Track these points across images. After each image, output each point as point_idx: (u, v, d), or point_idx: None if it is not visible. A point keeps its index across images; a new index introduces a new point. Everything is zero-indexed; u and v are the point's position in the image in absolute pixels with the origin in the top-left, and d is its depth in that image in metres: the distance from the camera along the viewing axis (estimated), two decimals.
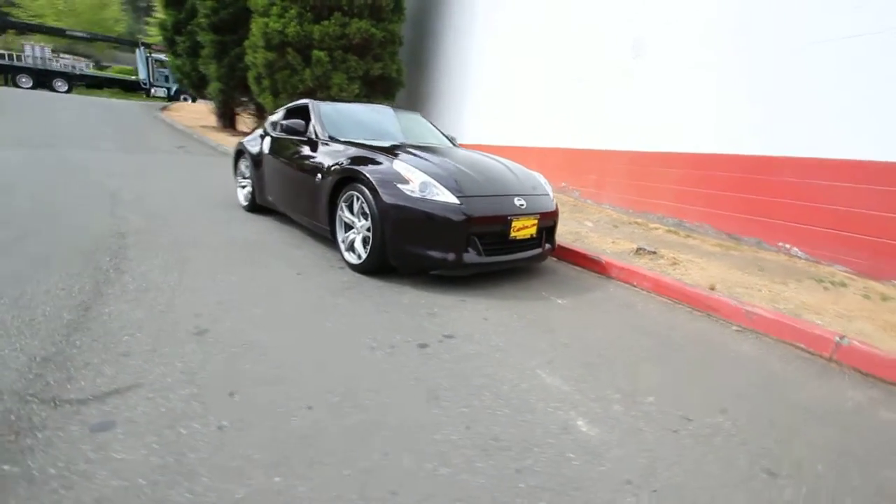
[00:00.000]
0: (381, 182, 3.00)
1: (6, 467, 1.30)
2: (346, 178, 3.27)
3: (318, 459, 1.44)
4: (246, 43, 10.98)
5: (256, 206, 4.76)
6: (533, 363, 2.18)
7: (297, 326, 2.34)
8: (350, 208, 3.30)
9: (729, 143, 4.71)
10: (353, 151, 3.42)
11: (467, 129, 9.33)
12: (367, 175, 3.04)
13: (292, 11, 10.22)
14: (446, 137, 4.75)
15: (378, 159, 3.20)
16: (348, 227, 3.36)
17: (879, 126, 3.65)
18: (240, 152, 4.99)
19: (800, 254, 4.14)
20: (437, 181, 3.01)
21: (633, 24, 5.83)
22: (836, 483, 1.55)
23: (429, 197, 2.93)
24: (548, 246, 3.51)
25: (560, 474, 1.47)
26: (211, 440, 1.47)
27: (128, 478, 1.30)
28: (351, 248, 3.31)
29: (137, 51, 25.63)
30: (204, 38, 12.58)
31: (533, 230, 3.25)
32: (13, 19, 26.57)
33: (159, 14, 28.90)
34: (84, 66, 26.04)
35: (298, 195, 3.88)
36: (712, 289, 3.32)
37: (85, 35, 26.68)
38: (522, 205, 3.20)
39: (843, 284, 3.56)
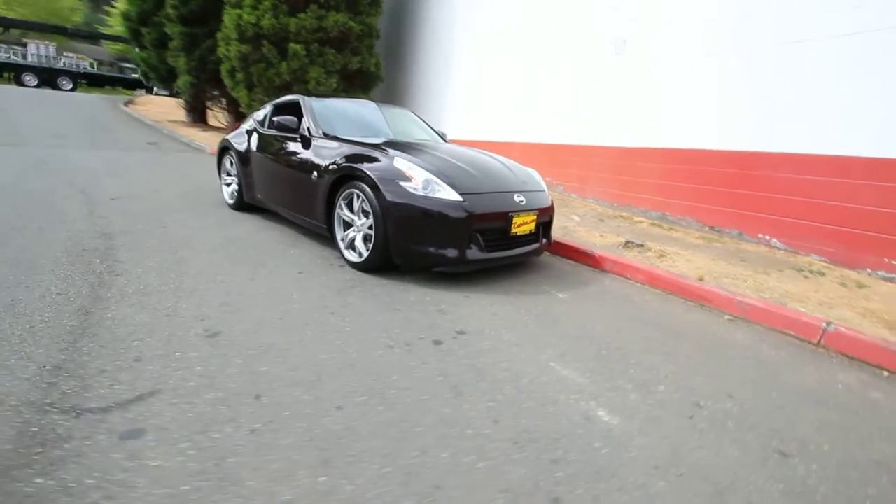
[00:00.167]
0: (383, 180, 2.99)
1: (39, 480, 1.26)
2: (345, 176, 3.25)
3: (357, 458, 1.45)
4: (218, 35, 10.66)
5: (244, 204, 4.66)
6: (546, 356, 2.24)
7: (310, 326, 2.33)
8: (349, 206, 3.27)
9: (712, 139, 4.89)
10: (350, 149, 3.39)
11: (448, 124, 9.31)
12: (369, 173, 3.03)
13: (266, 3, 9.98)
14: (436, 133, 4.76)
15: (377, 157, 3.19)
16: (347, 226, 3.34)
17: (855, 123, 3.86)
18: (225, 149, 4.87)
19: (779, 245, 4.35)
20: (439, 178, 3.02)
21: (613, 21, 5.95)
22: (842, 459, 1.66)
23: (431, 194, 2.94)
24: (544, 241, 3.58)
25: (592, 462, 1.52)
26: (247, 443, 1.46)
27: (170, 485, 1.28)
28: (351, 246, 3.29)
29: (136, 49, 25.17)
30: (172, 29, 12.13)
31: (532, 226, 3.31)
32: (12, 17, 25.56)
33: (120, 4, 27.68)
34: (87, 65, 26.13)
35: (292, 193, 3.82)
36: (701, 280, 3.46)
37: (84, 32, 25.96)
38: (522, 201, 3.25)
39: (822, 273, 3.77)
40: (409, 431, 1.60)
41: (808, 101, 4.14)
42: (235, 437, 1.48)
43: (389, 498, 1.31)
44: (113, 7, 28.63)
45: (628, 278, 3.61)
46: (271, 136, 4.21)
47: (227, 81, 11.02)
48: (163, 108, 16.43)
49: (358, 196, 3.15)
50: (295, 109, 4.11)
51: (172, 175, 6.72)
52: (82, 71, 24.97)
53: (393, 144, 3.61)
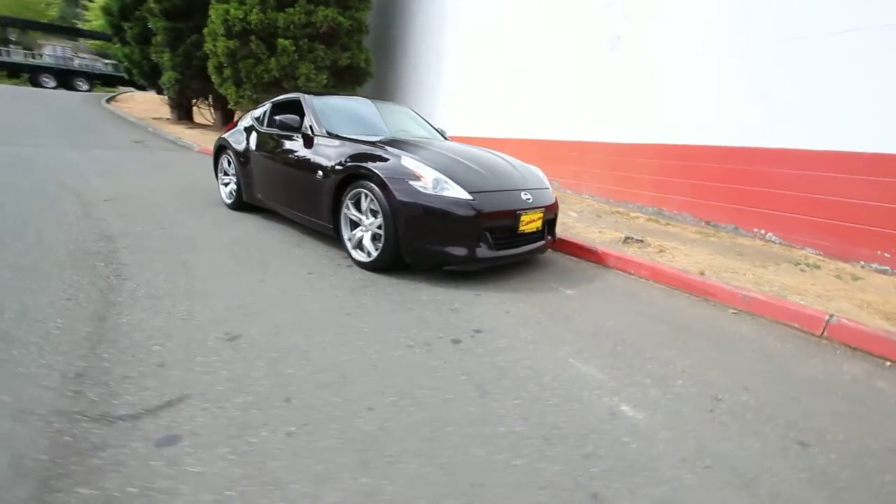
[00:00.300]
0: (392, 179, 2.99)
1: (81, 490, 1.25)
2: (352, 176, 3.23)
3: (395, 458, 1.46)
4: (205, 30, 10.48)
5: (242, 203, 4.61)
6: (564, 353, 2.27)
7: (328, 328, 2.32)
8: (356, 206, 3.27)
9: (708, 135, 4.97)
10: (356, 148, 3.38)
11: (440, 120, 9.30)
12: (378, 172, 3.02)
13: None
14: (437, 130, 4.76)
15: (384, 156, 3.18)
16: (354, 225, 3.33)
17: (851, 119, 3.96)
18: (222, 148, 4.80)
19: (774, 239, 4.45)
20: (448, 177, 3.03)
21: (608, 16, 6.00)
22: (858, 448, 1.73)
23: (441, 193, 2.95)
24: (549, 238, 3.61)
25: (623, 457, 1.56)
26: (285, 447, 1.46)
27: (215, 490, 1.28)
28: (359, 246, 3.29)
29: None
30: (156, 24, 11.89)
31: (539, 223, 3.34)
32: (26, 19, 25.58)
33: None
34: (101, 66, 26.50)
35: (296, 193, 3.79)
36: (702, 274, 3.53)
37: (88, 31, 25.90)
38: (529, 199, 3.28)
39: (817, 266, 3.87)
40: (441, 431, 1.61)
41: (804, 98, 4.23)
42: (272, 441, 1.48)
43: (432, 497, 1.33)
44: (90, 1, 27.90)
45: (632, 274, 3.67)
46: (272, 134, 4.16)
47: (214, 78, 10.85)
48: (146, 104, 16.11)
49: (366, 196, 3.14)
50: (295, 108, 4.07)
51: (163, 174, 6.60)
52: (97, 72, 25.51)
53: (397, 143, 3.61)
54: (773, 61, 4.44)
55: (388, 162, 3.11)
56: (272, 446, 1.46)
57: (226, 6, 9.85)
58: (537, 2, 7.03)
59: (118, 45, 14.24)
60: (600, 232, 4.80)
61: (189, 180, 6.28)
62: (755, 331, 2.78)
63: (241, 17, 9.72)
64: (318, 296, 2.74)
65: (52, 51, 24.45)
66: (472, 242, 3.00)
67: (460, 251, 2.99)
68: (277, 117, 3.79)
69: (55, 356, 1.87)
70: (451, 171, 3.13)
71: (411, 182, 2.97)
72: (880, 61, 3.76)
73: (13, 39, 26.33)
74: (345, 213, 3.33)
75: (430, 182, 2.96)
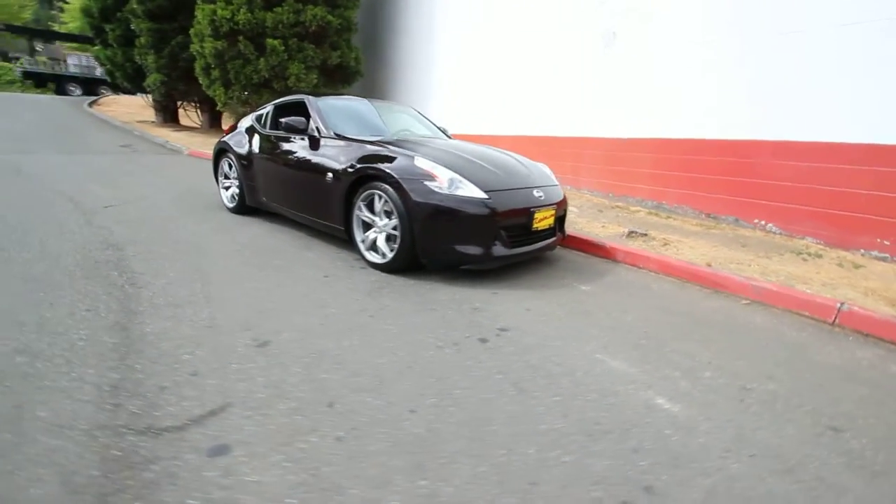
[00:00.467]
0: (407, 180, 2.98)
1: None
2: (365, 177, 3.22)
3: (448, 460, 1.47)
4: (191, 31, 10.30)
5: (245, 207, 4.56)
6: (590, 348, 2.29)
7: (354, 331, 2.32)
8: (369, 207, 3.25)
9: (706, 129, 5.04)
10: (366, 149, 3.36)
11: (433, 118, 9.30)
12: (392, 174, 3.01)
13: None
14: (439, 129, 4.75)
15: (396, 156, 3.17)
16: (366, 227, 3.32)
17: (848, 111, 4.05)
18: (222, 151, 4.74)
19: (775, 229, 4.54)
20: (462, 176, 3.03)
21: (603, 12, 6.04)
22: (887, 431, 1.78)
23: (457, 193, 2.95)
24: (559, 234, 3.64)
25: (668, 450, 1.58)
26: (337, 452, 1.46)
27: (274, 499, 1.27)
28: (372, 247, 3.28)
29: None
30: (139, 25, 11.65)
31: (551, 220, 3.37)
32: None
33: (73, 0, 26.27)
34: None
35: (304, 196, 3.76)
36: (709, 266, 3.59)
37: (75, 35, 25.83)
38: (541, 196, 3.30)
39: (819, 255, 3.96)
40: (487, 430, 1.62)
41: (801, 91, 4.32)
42: (324, 447, 1.48)
43: (489, 497, 1.34)
44: (66, 3, 27.23)
45: (641, 268, 3.72)
46: (276, 137, 4.12)
47: (201, 79, 10.68)
48: (129, 108, 15.79)
49: (380, 197, 3.13)
50: (298, 110, 4.04)
51: (156, 179, 6.49)
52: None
53: (405, 143, 3.60)
54: (771, 54, 4.52)
55: (402, 162, 3.10)
56: (324, 452, 1.46)
57: (212, 6, 9.70)
58: (534, 3, 7.05)
59: (99, 48, 13.90)
60: (603, 227, 4.84)
61: (184, 185, 6.19)
62: (769, 320, 2.84)
63: (228, 17, 9.58)
64: (337, 299, 2.73)
65: (76, 60, 25.46)
66: (487, 241, 3.01)
67: (476, 250, 3.00)
68: (283, 119, 3.75)
69: (85, 368, 1.83)
70: (464, 170, 3.13)
71: (427, 182, 2.96)
72: (880, 54, 3.85)
73: (39, 50, 26.42)
74: (357, 215, 3.31)
75: (446, 182, 2.96)
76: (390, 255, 3.14)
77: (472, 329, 2.42)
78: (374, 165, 3.15)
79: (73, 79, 24.54)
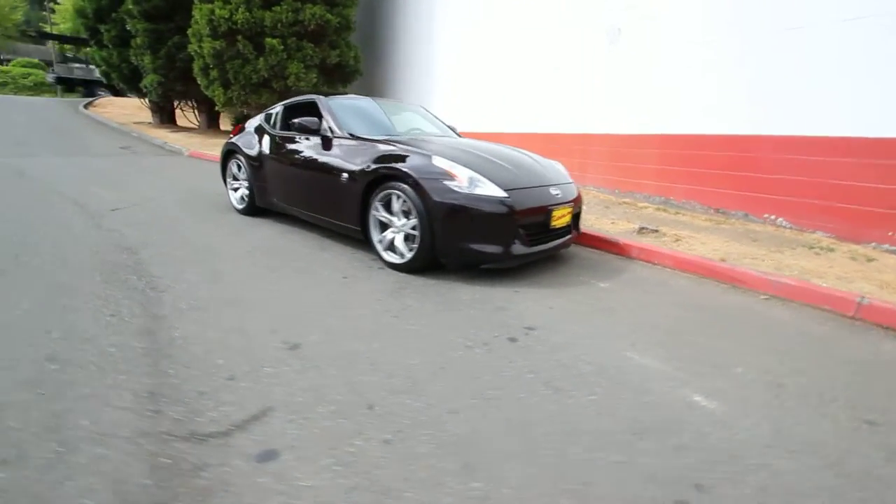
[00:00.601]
0: (426, 180, 2.97)
1: None
2: (382, 177, 3.20)
3: (496, 460, 1.46)
4: (189, 31, 10.22)
5: (255, 208, 4.53)
6: (619, 346, 2.30)
7: (382, 332, 2.31)
8: (386, 207, 3.24)
9: (713, 124, 5.06)
10: (381, 149, 3.34)
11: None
12: (412, 173, 3.00)
13: None
14: (448, 127, 4.74)
15: (413, 156, 3.15)
16: (383, 227, 3.31)
17: (855, 105, 4.07)
18: (231, 152, 4.70)
19: (785, 223, 4.56)
20: (481, 175, 3.03)
21: (608, 9, 6.04)
22: None
23: (476, 192, 2.95)
24: (574, 232, 3.64)
25: (711, 447, 1.59)
26: (385, 455, 1.45)
27: (331, 503, 1.27)
28: (390, 247, 3.26)
29: None
30: (135, 26, 11.56)
31: (568, 218, 3.37)
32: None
33: (64, 1, 25.98)
34: None
35: (318, 196, 3.74)
36: (723, 261, 3.60)
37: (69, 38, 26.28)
38: (558, 194, 3.30)
39: (831, 249, 3.99)
40: (530, 431, 1.62)
41: (808, 86, 4.34)
42: (371, 450, 1.47)
43: (547, 499, 1.33)
44: (56, 3, 26.93)
45: (656, 264, 3.72)
46: (288, 137, 4.09)
47: (200, 80, 10.60)
48: (125, 109, 15.66)
49: (398, 197, 3.12)
50: (309, 110, 4.01)
51: (159, 181, 6.44)
52: None
53: (420, 142, 3.59)
54: (776, 50, 4.53)
55: (420, 162, 3.09)
56: (373, 455, 1.45)
57: (210, 6, 9.62)
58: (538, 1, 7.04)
59: (94, 49, 13.76)
60: (612, 223, 4.85)
61: (188, 186, 6.15)
62: (790, 315, 2.86)
63: (226, 16, 9.51)
64: (360, 300, 2.72)
65: None
66: (507, 240, 3.00)
67: (496, 249, 2.99)
68: (296, 120, 3.73)
69: (118, 375, 1.82)
70: (482, 168, 3.12)
71: (446, 182, 2.95)
72: (884, 49, 3.87)
73: (71, 57, 27.07)
74: (374, 215, 3.30)
75: (465, 181, 2.95)
76: (409, 255, 3.12)
77: (499, 328, 2.42)
78: (392, 165, 3.13)
79: (102, 84, 25.18)
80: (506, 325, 2.46)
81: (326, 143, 3.68)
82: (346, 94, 4.64)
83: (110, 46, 12.84)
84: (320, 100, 3.97)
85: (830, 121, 4.22)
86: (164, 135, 11.80)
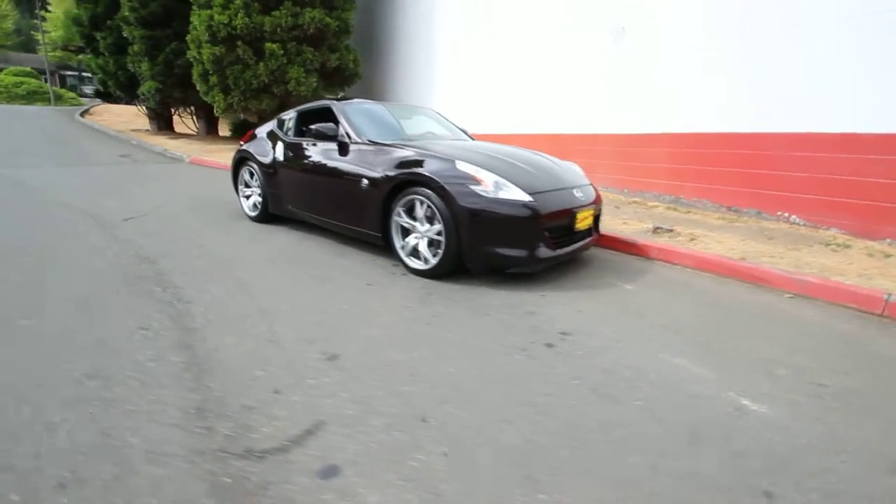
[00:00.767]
0: (452, 185, 2.95)
1: None
2: (404, 182, 3.18)
3: (558, 472, 1.45)
4: (188, 37, 10.15)
5: (268, 215, 4.50)
6: (655, 349, 2.29)
7: (417, 340, 2.29)
8: (409, 213, 3.22)
9: (721, 123, 5.07)
10: (402, 154, 3.32)
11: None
12: (437, 179, 2.98)
13: (238, 2, 9.59)
14: (460, 130, 4.73)
15: (436, 160, 3.14)
16: (405, 232, 3.29)
17: (865, 101, 4.09)
18: (243, 159, 4.67)
19: (798, 221, 4.58)
20: (505, 179, 3.01)
21: (613, 8, 6.05)
22: None
23: (502, 196, 2.93)
24: (595, 234, 3.63)
25: (771, 452, 1.58)
26: (447, 468, 1.43)
27: None
28: (413, 253, 3.24)
29: None
30: (132, 33, 11.48)
31: (591, 220, 3.37)
32: None
33: (57, 8, 25.78)
34: None
35: (337, 203, 3.71)
36: (743, 260, 3.61)
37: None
38: (581, 196, 3.30)
39: (847, 246, 4.00)
40: (586, 439, 1.61)
41: (815, 82, 4.36)
42: (433, 463, 1.45)
43: None
44: (48, 11, 26.72)
45: (676, 264, 3.72)
46: (303, 144, 4.06)
47: (199, 86, 10.54)
48: (122, 116, 15.55)
49: (421, 203, 3.10)
50: (324, 116, 3.99)
51: (165, 189, 6.39)
52: None
53: (438, 146, 3.57)
54: (783, 48, 4.55)
55: (443, 167, 3.07)
56: (435, 468, 1.43)
57: (209, 12, 9.56)
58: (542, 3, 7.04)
59: (90, 56, 13.64)
60: (625, 223, 4.85)
61: (195, 193, 6.10)
62: (817, 314, 2.86)
63: (225, 22, 9.46)
64: (388, 307, 2.70)
65: None
66: (533, 243, 2.99)
67: (522, 253, 2.98)
68: (312, 126, 3.70)
69: (161, 390, 1.79)
70: (505, 172, 3.11)
71: (472, 186, 2.94)
72: (889, 45, 3.90)
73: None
74: (396, 221, 3.28)
75: (491, 185, 2.94)
76: (434, 261, 3.10)
77: (533, 334, 2.40)
78: (415, 171, 3.11)
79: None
80: (539, 331, 2.44)
81: (343, 149, 3.66)
82: (351, 98, 4.62)
83: (106, 54, 12.75)
84: (335, 105, 3.94)
85: (839, 117, 4.24)
86: (163, 142, 11.73)
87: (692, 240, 4.24)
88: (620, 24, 5.99)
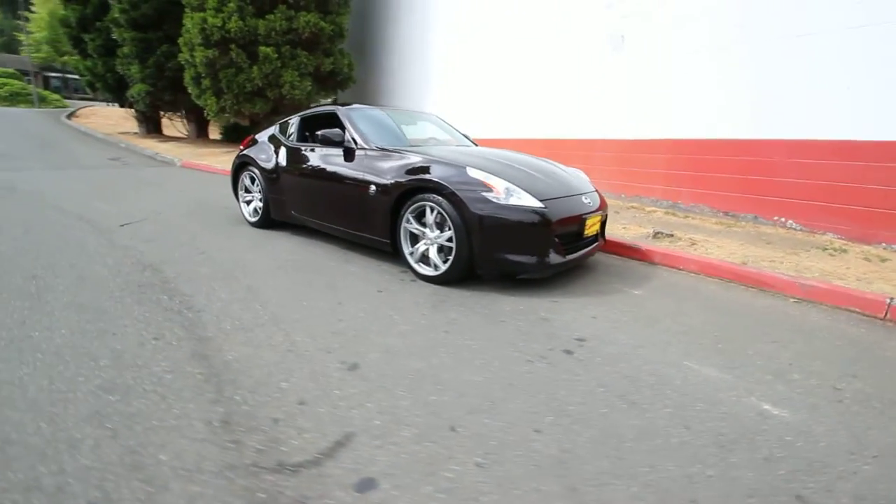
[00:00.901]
0: (463, 191, 2.95)
1: None
2: (413, 189, 3.17)
3: (597, 481, 1.45)
4: (180, 40, 10.04)
5: (269, 221, 4.45)
6: (674, 356, 2.31)
7: (436, 348, 2.28)
8: (418, 219, 3.21)
9: (720, 129, 5.16)
10: (410, 160, 3.31)
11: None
12: (448, 185, 2.98)
13: (231, 5, 9.51)
14: (463, 135, 4.74)
15: (446, 167, 3.13)
16: (414, 239, 3.28)
17: (862, 109, 4.19)
18: (243, 164, 4.62)
19: (795, 226, 4.67)
20: (516, 185, 3.02)
21: (611, 16, 6.13)
22: None
23: (514, 203, 2.94)
24: (601, 239, 3.66)
25: (798, 456, 1.60)
26: (484, 479, 1.42)
27: None
28: (423, 259, 3.23)
29: None
30: (122, 35, 11.32)
31: (598, 226, 3.40)
32: None
33: (40, 9, 25.31)
34: None
35: (344, 209, 3.68)
36: (744, 264, 3.66)
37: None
38: (589, 202, 3.32)
39: (844, 250, 4.09)
40: (620, 447, 1.61)
41: (815, 90, 4.46)
42: (468, 474, 1.44)
43: None
44: (31, 12, 26.23)
45: (680, 269, 3.77)
46: (307, 149, 4.03)
47: (191, 89, 10.43)
48: (109, 119, 15.29)
49: (431, 209, 3.09)
50: (328, 121, 3.97)
51: (159, 193, 6.30)
52: None
53: (447, 152, 3.57)
54: (783, 55, 4.65)
55: (454, 173, 3.07)
56: (471, 479, 1.42)
57: (202, 14, 9.48)
58: (538, 8, 7.09)
59: (78, 58, 13.40)
60: (624, 228, 4.90)
61: (190, 197, 6.03)
62: (823, 318, 2.91)
63: (219, 25, 9.39)
64: (402, 315, 2.68)
65: None
66: (544, 250, 3.00)
67: (533, 259, 2.99)
68: (319, 132, 3.68)
69: (184, 404, 1.75)
70: (514, 178, 3.12)
71: (483, 193, 2.94)
72: (889, 55, 4.00)
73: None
74: (405, 227, 3.26)
75: (502, 191, 2.95)
76: (444, 267, 3.10)
77: (551, 340, 2.41)
78: (425, 177, 3.10)
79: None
80: (556, 337, 2.45)
81: (349, 155, 3.64)
82: (349, 103, 4.60)
83: (95, 56, 12.53)
84: (340, 111, 3.92)
85: (836, 125, 4.34)
86: (153, 145, 11.56)
87: (692, 244, 4.29)
88: (620, 33, 6.07)
